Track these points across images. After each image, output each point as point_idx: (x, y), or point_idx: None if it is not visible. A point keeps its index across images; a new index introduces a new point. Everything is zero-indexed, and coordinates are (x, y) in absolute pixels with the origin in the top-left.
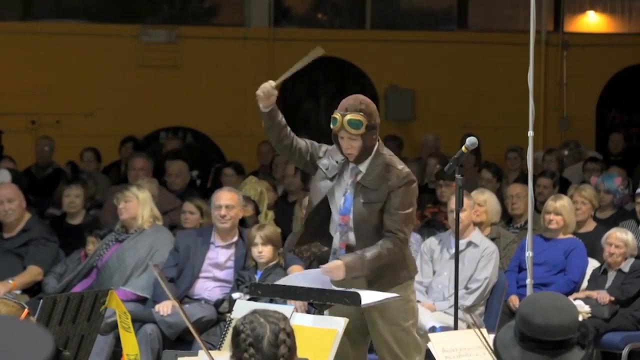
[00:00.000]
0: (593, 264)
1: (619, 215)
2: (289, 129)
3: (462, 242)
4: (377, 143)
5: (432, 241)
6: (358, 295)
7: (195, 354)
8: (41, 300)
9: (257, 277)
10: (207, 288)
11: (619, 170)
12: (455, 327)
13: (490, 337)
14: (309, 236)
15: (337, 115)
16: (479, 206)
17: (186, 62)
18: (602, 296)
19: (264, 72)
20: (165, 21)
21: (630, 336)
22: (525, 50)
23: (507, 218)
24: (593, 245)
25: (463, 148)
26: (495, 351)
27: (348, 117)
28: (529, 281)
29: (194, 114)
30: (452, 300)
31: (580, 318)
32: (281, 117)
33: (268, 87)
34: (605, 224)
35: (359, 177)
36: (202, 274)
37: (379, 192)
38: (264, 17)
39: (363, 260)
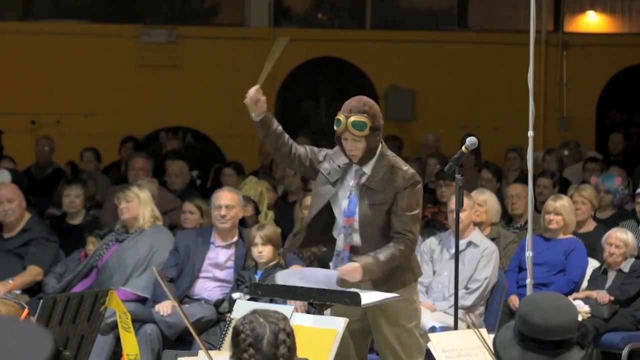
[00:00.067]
0: (593, 264)
1: (619, 215)
2: (286, 136)
3: (462, 242)
4: (381, 144)
5: (432, 241)
6: (358, 295)
7: (195, 354)
8: (41, 300)
9: (257, 277)
10: (207, 288)
11: (619, 170)
12: (455, 327)
13: (490, 337)
14: (311, 240)
15: (340, 116)
16: (479, 206)
17: (186, 62)
18: (602, 296)
19: None
20: (165, 21)
21: (630, 336)
22: (525, 50)
23: (507, 218)
24: (593, 245)
25: (463, 148)
26: (495, 351)
27: (352, 118)
28: (529, 281)
29: (194, 114)
30: (452, 300)
31: (580, 318)
32: (276, 125)
33: (253, 91)
34: (605, 224)
35: (363, 179)
36: (202, 274)
37: (385, 194)
38: (264, 17)
39: (378, 262)
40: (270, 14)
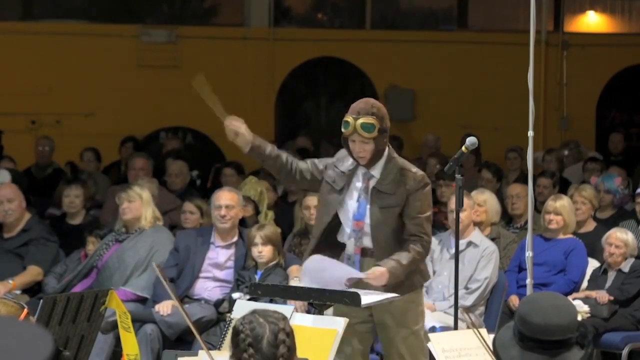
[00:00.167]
0: (593, 264)
1: (619, 215)
2: (284, 156)
3: (462, 242)
4: (388, 147)
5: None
6: (358, 295)
7: (195, 354)
8: (41, 300)
9: (257, 277)
10: (207, 288)
11: (619, 170)
12: (455, 327)
13: (490, 338)
14: (321, 249)
15: (349, 118)
16: (479, 206)
17: (186, 62)
18: (601, 296)
19: (264, 72)
20: (165, 21)
21: (630, 336)
22: (525, 50)
23: (507, 218)
24: (593, 245)
25: (463, 148)
26: (495, 351)
27: (361, 120)
28: (529, 281)
29: (194, 114)
30: (452, 300)
31: (580, 318)
32: (270, 149)
33: (228, 127)
34: (605, 224)
35: (372, 182)
36: (202, 274)
37: (396, 196)
38: (264, 17)
39: (402, 265)
40: (270, 14)
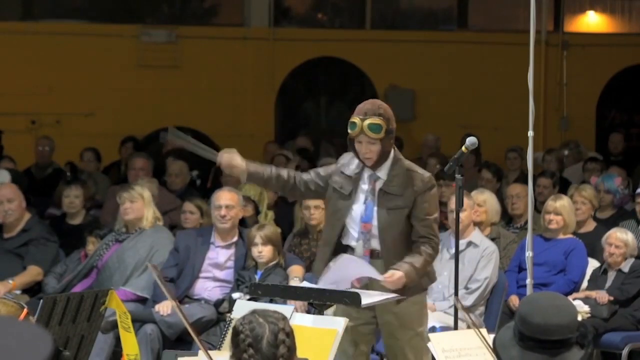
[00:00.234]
0: (593, 264)
1: (619, 215)
2: (284, 174)
3: (462, 242)
4: (394, 149)
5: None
6: (358, 295)
7: (195, 354)
8: (41, 300)
9: (257, 277)
10: (207, 288)
11: (619, 170)
12: (455, 327)
13: (490, 337)
14: (335, 255)
15: (356, 119)
16: (479, 206)
17: (186, 62)
18: (601, 296)
19: (264, 72)
20: (165, 21)
21: (630, 336)
22: (525, 50)
23: (507, 218)
24: (593, 245)
25: (463, 148)
26: (495, 351)
27: (368, 121)
28: (529, 281)
29: (194, 114)
30: (452, 300)
31: (580, 318)
32: (269, 172)
33: (219, 162)
34: (605, 224)
35: (379, 184)
36: (202, 274)
37: (404, 198)
38: (264, 17)
39: (416, 269)
40: (270, 14)
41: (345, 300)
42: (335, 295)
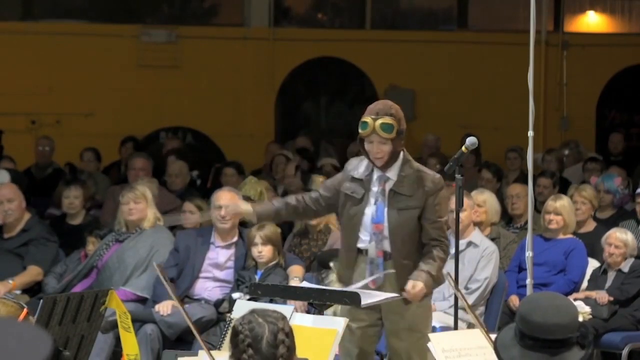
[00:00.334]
0: (593, 264)
1: (619, 215)
2: (292, 200)
3: (462, 242)
4: (403, 150)
5: None
6: (358, 295)
7: (195, 354)
8: (41, 300)
9: (257, 277)
10: (207, 288)
11: (619, 170)
12: (455, 327)
13: (490, 337)
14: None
15: (367, 119)
16: (479, 206)
17: (186, 62)
18: (601, 296)
19: (264, 72)
20: (165, 21)
21: (630, 336)
22: (525, 50)
23: (507, 218)
24: (593, 245)
25: (463, 148)
26: (496, 351)
27: (380, 120)
28: (529, 281)
29: (194, 114)
30: (452, 300)
31: (581, 319)
32: (277, 206)
33: (226, 214)
34: (605, 224)
35: (389, 184)
36: (202, 274)
37: (415, 198)
38: (264, 17)
39: (433, 277)
40: (270, 14)
41: (345, 300)
42: (335, 295)
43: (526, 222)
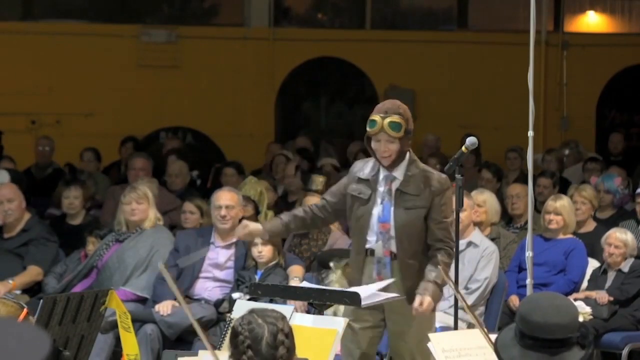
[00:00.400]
0: (593, 264)
1: (619, 215)
2: (299, 213)
3: (462, 242)
4: (409, 151)
5: None
6: (358, 295)
7: (195, 354)
8: (41, 300)
9: (257, 277)
10: (207, 288)
11: (619, 170)
12: (455, 327)
13: (490, 337)
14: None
15: (376, 117)
16: (479, 206)
17: (186, 62)
18: (601, 296)
19: (264, 72)
20: (165, 21)
21: (630, 336)
22: (525, 50)
23: (507, 218)
24: (593, 245)
25: (463, 148)
26: (496, 351)
27: (388, 119)
28: (529, 281)
29: (194, 114)
30: (452, 300)
31: (581, 319)
32: (286, 220)
33: (237, 236)
34: (605, 224)
35: (395, 184)
36: (202, 274)
37: (421, 198)
38: (264, 17)
39: (439, 286)
40: (270, 14)
41: (345, 300)
42: (335, 295)
43: (526, 222)
